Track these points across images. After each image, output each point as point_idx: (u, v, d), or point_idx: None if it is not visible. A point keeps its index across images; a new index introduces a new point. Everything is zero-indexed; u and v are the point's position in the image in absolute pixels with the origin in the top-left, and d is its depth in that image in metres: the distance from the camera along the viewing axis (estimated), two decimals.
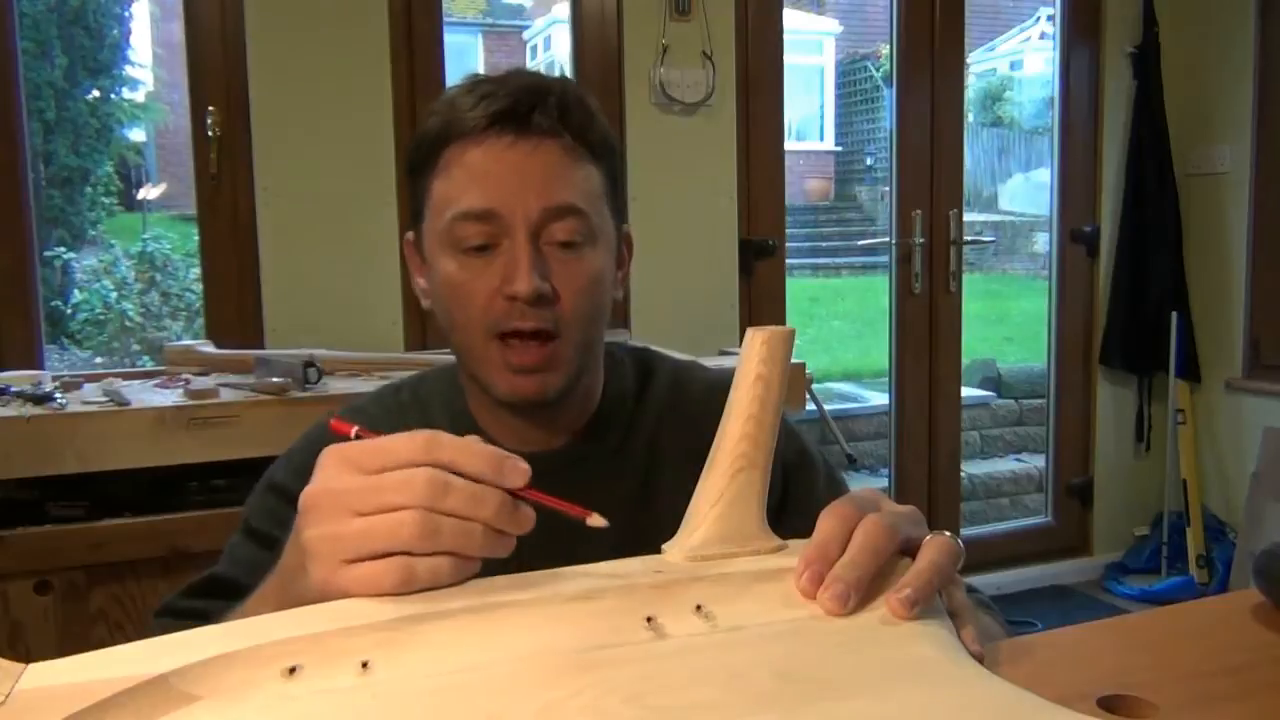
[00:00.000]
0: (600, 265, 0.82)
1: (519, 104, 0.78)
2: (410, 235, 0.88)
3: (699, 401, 0.92)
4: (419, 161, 0.83)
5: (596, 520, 0.57)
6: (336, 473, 0.55)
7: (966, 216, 3.15)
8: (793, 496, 0.88)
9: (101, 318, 5.97)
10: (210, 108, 2.22)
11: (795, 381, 2.04)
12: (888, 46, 3.57)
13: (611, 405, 0.90)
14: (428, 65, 2.41)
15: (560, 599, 0.52)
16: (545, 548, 0.62)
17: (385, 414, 0.91)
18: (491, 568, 0.56)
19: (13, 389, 1.70)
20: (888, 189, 3.33)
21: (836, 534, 0.56)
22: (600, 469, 0.88)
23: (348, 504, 0.53)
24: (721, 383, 0.95)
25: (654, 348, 1.02)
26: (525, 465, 0.55)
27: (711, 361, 2.11)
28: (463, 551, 0.53)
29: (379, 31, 2.32)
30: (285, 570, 0.59)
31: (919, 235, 3.05)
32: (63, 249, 6.06)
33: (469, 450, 0.54)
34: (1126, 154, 3.24)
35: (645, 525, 0.63)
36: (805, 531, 0.60)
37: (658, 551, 0.59)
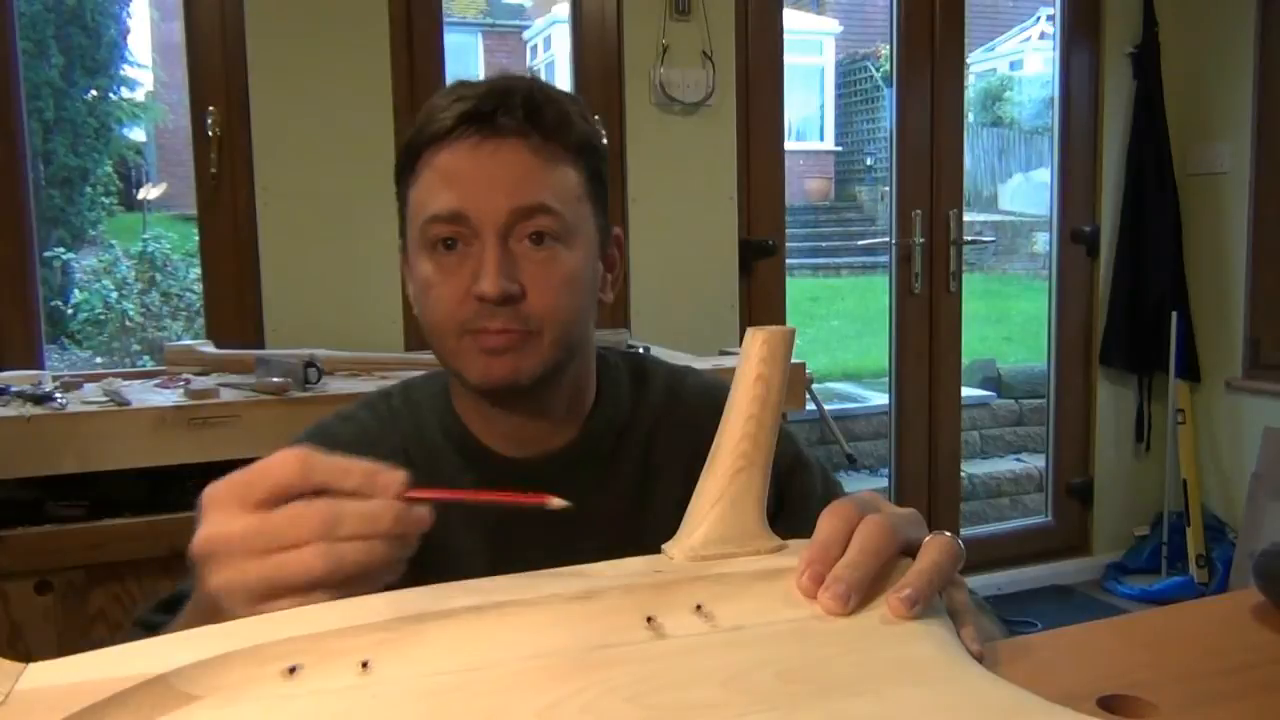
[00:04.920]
0: (575, 265, 0.81)
1: (483, 104, 0.78)
2: (401, 244, 0.88)
3: (694, 406, 0.92)
4: (400, 170, 0.84)
5: (556, 502, 0.57)
6: (222, 516, 0.54)
7: (966, 216, 3.15)
8: (790, 500, 0.88)
9: (101, 318, 5.97)
10: (210, 108, 2.22)
11: (795, 381, 2.04)
12: (888, 46, 3.58)
13: (605, 409, 0.90)
14: (428, 65, 2.41)
15: (560, 599, 0.52)
16: (541, 550, 0.62)
17: (378, 421, 0.90)
18: (486, 569, 0.56)
19: (13, 389, 1.70)
20: (888, 189, 3.33)
21: (837, 534, 0.56)
22: (594, 474, 0.87)
23: (244, 548, 0.53)
24: (716, 386, 0.96)
25: (645, 353, 1.02)
26: (399, 475, 0.55)
27: (711, 361, 2.12)
28: (370, 565, 0.54)
29: (379, 31, 2.32)
30: (206, 614, 0.57)
31: (919, 235, 3.05)
32: (63, 249, 6.06)
33: (341, 469, 0.54)
34: (1126, 154, 3.24)
35: (641, 528, 0.63)
36: (804, 534, 0.60)
37: (654, 553, 0.59)
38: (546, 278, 0.79)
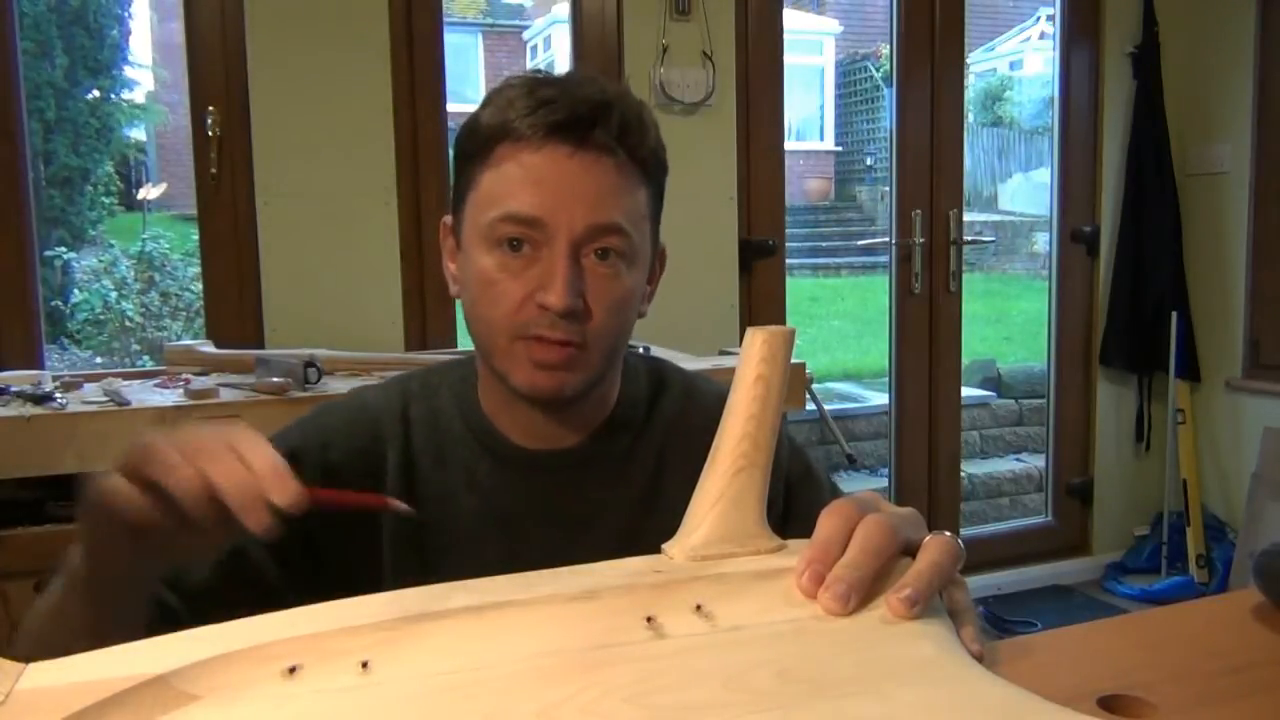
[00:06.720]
0: (633, 285, 0.83)
1: (581, 118, 0.78)
2: (448, 219, 0.87)
3: (708, 413, 0.92)
4: (471, 150, 0.82)
5: (399, 506, 0.62)
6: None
7: (966, 216, 3.15)
8: (797, 512, 0.89)
9: (101, 318, 5.97)
10: (210, 108, 2.22)
11: (795, 381, 2.04)
12: (888, 46, 3.57)
13: (624, 411, 0.90)
14: (428, 65, 2.41)
15: (560, 599, 0.52)
16: (546, 549, 0.61)
17: (389, 401, 0.90)
18: (492, 568, 0.56)
19: (13, 389, 1.70)
20: (888, 189, 3.33)
21: (837, 533, 0.56)
22: (607, 472, 0.88)
23: (155, 454, 0.58)
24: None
25: (663, 358, 1.02)
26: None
27: (711, 361, 2.12)
28: (239, 508, 0.56)
29: (379, 31, 2.32)
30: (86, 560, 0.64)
31: (919, 235, 3.04)
32: (63, 249, 6.06)
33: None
34: (1126, 154, 3.24)
35: (648, 530, 0.63)
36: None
37: (658, 553, 0.59)
38: (607, 295, 0.80)
